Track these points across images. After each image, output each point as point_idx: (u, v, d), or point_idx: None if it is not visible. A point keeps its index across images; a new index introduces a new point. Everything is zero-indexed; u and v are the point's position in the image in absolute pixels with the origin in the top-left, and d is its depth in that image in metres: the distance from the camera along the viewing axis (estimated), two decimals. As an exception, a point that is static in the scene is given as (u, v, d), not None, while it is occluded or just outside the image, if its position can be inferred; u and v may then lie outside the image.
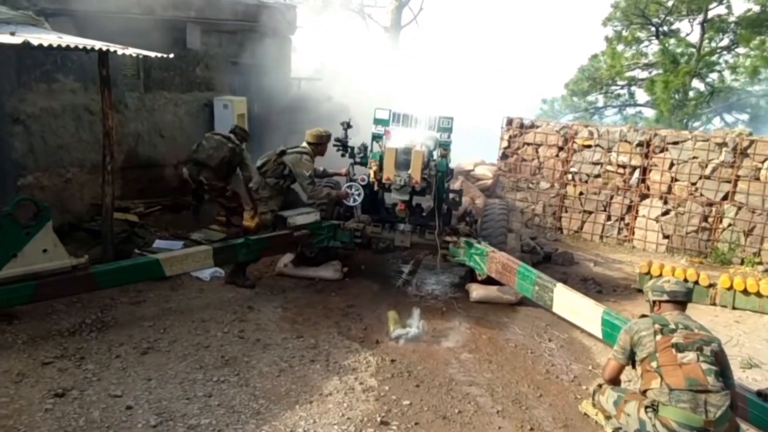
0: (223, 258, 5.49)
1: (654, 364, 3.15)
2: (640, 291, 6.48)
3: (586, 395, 4.07)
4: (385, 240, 6.19)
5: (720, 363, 3.17)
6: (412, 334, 4.89)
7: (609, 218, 8.96)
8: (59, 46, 4.96)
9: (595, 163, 9.02)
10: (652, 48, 16.43)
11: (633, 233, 8.77)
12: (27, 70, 6.53)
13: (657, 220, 8.55)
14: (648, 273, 6.45)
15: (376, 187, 6.10)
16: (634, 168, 8.71)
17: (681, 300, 3.45)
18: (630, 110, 17.56)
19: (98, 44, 5.28)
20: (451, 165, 6.65)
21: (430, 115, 6.33)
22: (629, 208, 8.79)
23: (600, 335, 4.37)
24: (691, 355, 3.11)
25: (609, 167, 8.91)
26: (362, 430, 3.55)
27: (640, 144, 8.61)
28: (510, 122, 9.77)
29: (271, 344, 4.62)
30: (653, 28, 16.06)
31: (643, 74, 16.69)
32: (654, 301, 3.54)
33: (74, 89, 7.08)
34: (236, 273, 5.84)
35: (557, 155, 9.35)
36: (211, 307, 5.27)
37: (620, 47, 16.54)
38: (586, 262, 7.71)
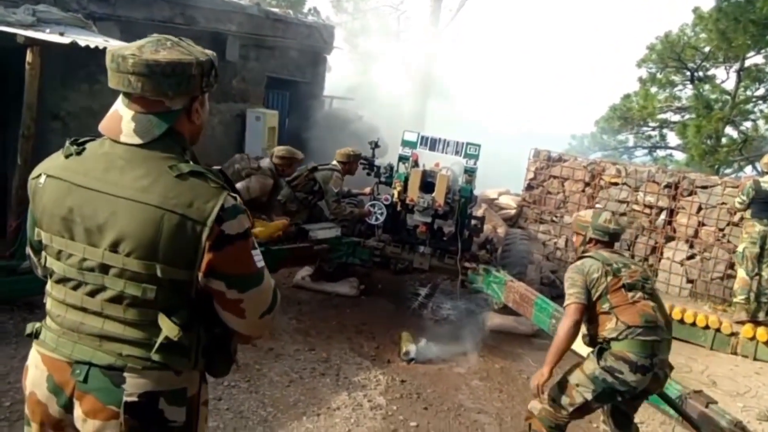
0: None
1: (606, 306, 3.10)
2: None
3: (596, 433, 4.00)
4: (404, 261, 6.20)
5: (657, 298, 3.22)
6: (425, 353, 4.88)
7: (632, 258, 8.84)
8: (105, 48, 5.13)
9: (622, 201, 8.94)
10: (686, 92, 16.33)
11: (656, 275, 8.64)
12: (71, 70, 6.75)
13: (682, 263, 8.42)
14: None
15: (399, 208, 6.15)
16: (661, 209, 8.62)
17: (615, 241, 3.44)
18: (660, 152, 17.40)
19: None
20: (476, 192, 6.67)
21: (458, 141, 6.38)
22: (654, 249, 8.68)
23: (615, 373, 4.30)
24: (639, 294, 3.13)
25: (635, 206, 8.82)
26: (367, 447, 3.53)
27: (668, 186, 8.53)
28: (537, 154, 9.77)
29: (283, 354, 4.64)
30: (688, 73, 15.97)
31: (676, 117, 16.57)
32: (590, 239, 3.44)
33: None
34: (254, 282, 5.88)
35: (583, 190, 9.29)
36: (227, 313, 5.31)
37: (654, 89, 16.47)
38: (606, 300, 7.60)
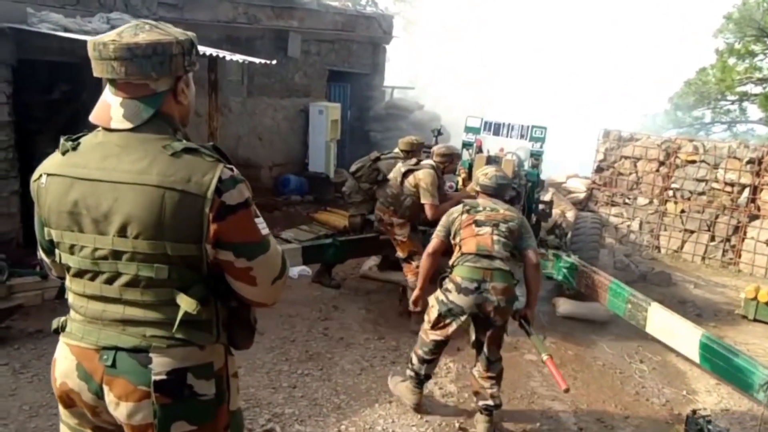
0: (312, 257, 5.66)
1: (458, 239, 3.58)
2: (744, 317, 6.06)
3: (678, 421, 3.84)
4: (470, 248, 6.13)
5: (512, 238, 3.54)
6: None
7: (713, 239, 8.42)
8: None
9: (700, 180, 8.51)
10: (768, 62, 15.30)
11: (739, 256, 8.19)
12: (144, 74, 7.05)
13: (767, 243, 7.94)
14: (755, 299, 6.00)
15: (464, 195, 6.07)
16: (744, 187, 8.15)
17: (491, 194, 3.80)
18: (741, 127, 16.40)
19: (209, 50, 5.63)
20: (543, 176, 6.51)
21: (523, 124, 6.24)
22: (736, 229, 8.22)
23: (697, 360, 4.11)
24: (486, 229, 3.52)
25: (715, 185, 8.38)
26: (440, 434, 3.54)
27: (750, 161, 8.05)
28: (607, 134, 9.43)
29: (353, 343, 4.71)
30: (770, 41, 14.95)
31: (757, 89, 15.54)
32: (475, 189, 3.94)
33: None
34: (322, 273, 6.00)
35: (658, 170, 8.91)
36: (298, 304, 5.44)
37: (732, 60, 15.50)
38: (685, 284, 7.28)
